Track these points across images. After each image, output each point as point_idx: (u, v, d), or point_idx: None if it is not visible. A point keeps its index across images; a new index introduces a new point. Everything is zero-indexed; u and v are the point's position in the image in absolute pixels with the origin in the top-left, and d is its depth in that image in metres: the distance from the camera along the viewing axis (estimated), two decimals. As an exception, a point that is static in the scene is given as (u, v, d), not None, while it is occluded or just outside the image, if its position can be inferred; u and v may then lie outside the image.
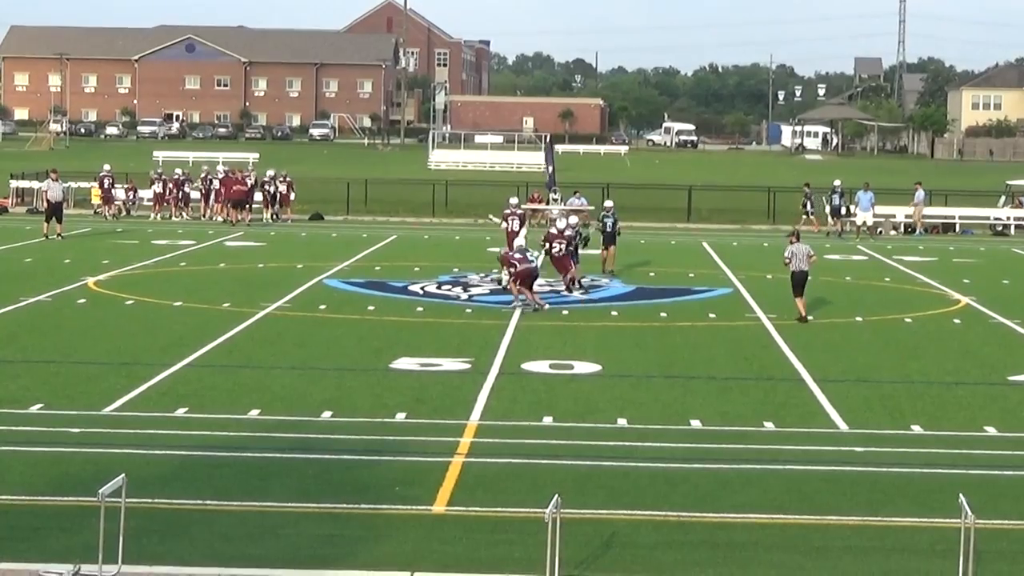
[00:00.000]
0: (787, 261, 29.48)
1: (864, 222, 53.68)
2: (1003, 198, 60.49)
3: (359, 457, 17.33)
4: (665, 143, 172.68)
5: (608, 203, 39.31)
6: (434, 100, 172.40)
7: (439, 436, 18.54)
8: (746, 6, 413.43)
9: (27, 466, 16.66)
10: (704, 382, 22.72)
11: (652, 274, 38.30)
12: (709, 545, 14.19)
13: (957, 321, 30.48)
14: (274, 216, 54.71)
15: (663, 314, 30.61)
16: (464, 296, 32.66)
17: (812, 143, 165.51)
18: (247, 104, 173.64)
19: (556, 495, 13.18)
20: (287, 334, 26.83)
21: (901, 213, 57.14)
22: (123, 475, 13.05)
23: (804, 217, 54.24)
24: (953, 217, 58.14)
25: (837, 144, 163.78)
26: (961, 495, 13.51)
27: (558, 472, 16.77)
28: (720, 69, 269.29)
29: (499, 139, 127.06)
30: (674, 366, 24.26)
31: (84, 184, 58.87)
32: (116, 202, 55.64)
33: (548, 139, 68.60)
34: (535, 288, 31.16)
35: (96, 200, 56.02)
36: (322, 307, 30.48)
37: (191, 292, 32.42)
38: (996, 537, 14.44)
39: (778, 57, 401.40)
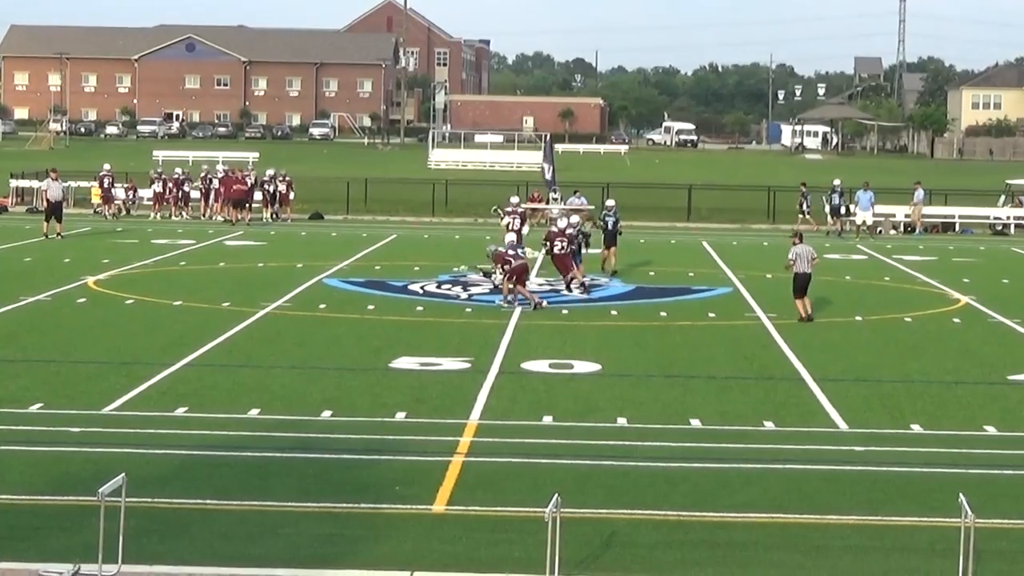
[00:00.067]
0: (791, 263, 29.39)
1: (864, 221, 53.70)
2: (1003, 197, 60.52)
3: (359, 457, 17.33)
4: (665, 142, 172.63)
5: (610, 202, 39.31)
6: (434, 100, 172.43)
7: (439, 435, 18.54)
8: (746, 6, 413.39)
9: (27, 466, 16.66)
10: (704, 381, 22.72)
11: (652, 273, 38.31)
12: (709, 544, 14.19)
13: (957, 320, 30.48)
14: (274, 215, 54.72)
15: (663, 313, 30.61)
16: (464, 295, 32.66)
17: (812, 143, 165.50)
18: (247, 104, 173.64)
19: (556, 494, 13.18)
20: (287, 333, 26.83)
21: (901, 212, 57.16)
22: (123, 475, 13.04)
23: (801, 216, 54.24)
24: (953, 216, 58.16)
25: (837, 144, 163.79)
26: (961, 494, 13.52)
27: (558, 471, 16.77)
28: (720, 69, 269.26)
29: (499, 139, 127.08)
30: (674, 365, 24.26)
31: (84, 183, 58.84)
32: (116, 201, 55.65)
33: (548, 138, 68.58)
34: (535, 288, 31.16)
35: (96, 199, 56.01)
36: (322, 306, 30.48)
37: (191, 291, 32.42)
38: (996, 536, 14.44)
39: (778, 57, 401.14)
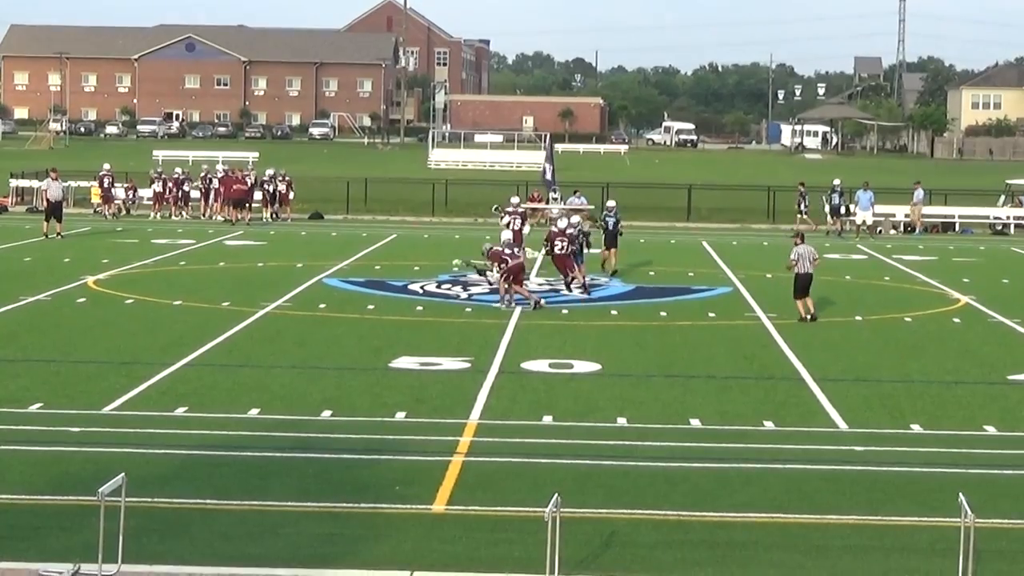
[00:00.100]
0: (793, 263, 29.38)
1: (864, 221, 53.71)
2: (1003, 197, 60.53)
3: (359, 456, 17.33)
4: (665, 142, 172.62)
5: (610, 203, 39.24)
6: (434, 99, 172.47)
7: (439, 435, 18.54)
8: (746, 6, 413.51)
9: (27, 465, 16.66)
10: (704, 381, 22.72)
11: (652, 273, 38.31)
12: (709, 544, 14.19)
13: (957, 320, 30.49)
14: (274, 215, 54.73)
15: (663, 313, 30.61)
16: (464, 295, 32.67)
17: (812, 142, 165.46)
18: (247, 103, 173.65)
19: (556, 494, 13.17)
20: (287, 333, 26.83)
21: (901, 212, 57.17)
22: (123, 474, 13.04)
23: (799, 216, 54.24)
24: (953, 216, 58.16)
25: (837, 143, 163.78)
26: (961, 494, 13.51)
27: (558, 471, 16.77)
28: (720, 68, 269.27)
29: (499, 138, 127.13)
30: (674, 365, 24.26)
31: (84, 183, 58.85)
32: (116, 201, 55.65)
33: (548, 138, 68.59)
34: (535, 288, 31.16)
35: (96, 199, 56.01)
36: (322, 306, 30.48)
37: (191, 291, 32.42)
38: (996, 536, 14.44)
39: (778, 56, 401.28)
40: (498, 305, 30.44)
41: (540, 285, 34.38)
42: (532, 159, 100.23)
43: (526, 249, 37.84)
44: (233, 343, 25.64)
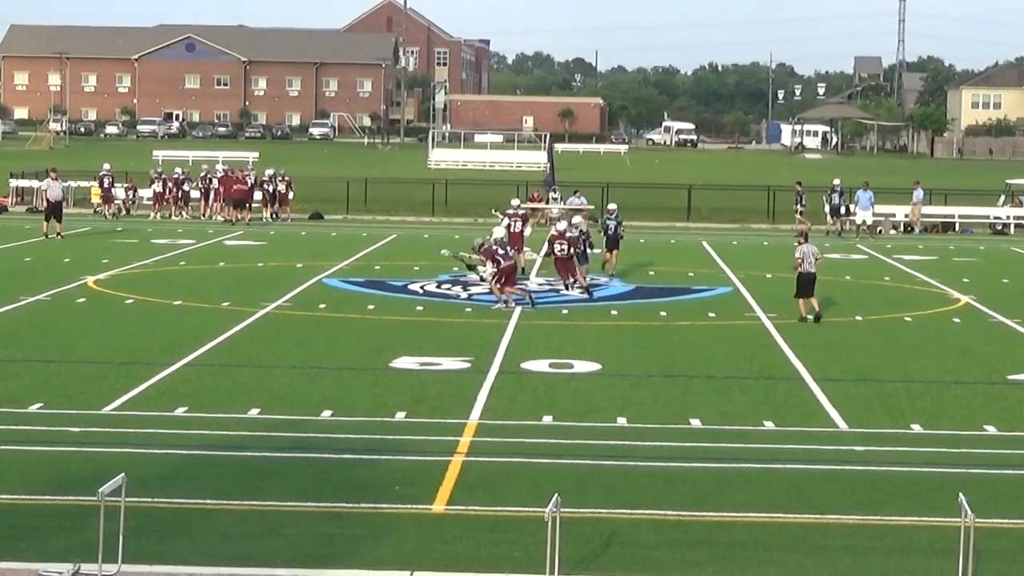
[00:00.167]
0: (799, 263, 29.37)
1: (864, 221, 53.71)
2: (1003, 197, 60.52)
3: (359, 456, 17.33)
4: (665, 142, 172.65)
5: (612, 206, 39.09)
6: (434, 99, 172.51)
7: (439, 435, 18.54)
8: (746, 6, 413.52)
9: (27, 465, 16.65)
10: (704, 381, 22.72)
11: (652, 273, 38.30)
12: (709, 544, 14.19)
13: (957, 320, 30.49)
14: (274, 215, 54.73)
15: (663, 313, 30.61)
16: (464, 295, 32.66)
17: (812, 142, 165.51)
18: (247, 103, 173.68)
19: (556, 494, 13.17)
20: (287, 333, 26.83)
21: (901, 212, 57.18)
22: (123, 474, 13.04)
23: (798, 217, 54.22)
24: (953, 216, 58.17)
25: (837, 143, 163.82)
26: (961, 494, 13.51)
27: (558, 471, 16.77)
28: (720, 68, 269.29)
29: (499, 138, 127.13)
30: (674, 365, 24.25)
31: (84, 183, 58.85)
32: (116, 201, 55.66)
33: (548, 138, 68.59)
34: (534, 288, 31.15)
35: (96, 199, 56.02)
36: (322, 306, 30.48)
37: (191, 291, 32.42)
38: (996, 536, 14.44)
39: (778, 56, 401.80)
40: (498, 306, 30.42)
41: (540, 285, 34.38)
42: (532, 159, 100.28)
43: (526, 250, 37.88)
44: (233, 343, 25.64)
